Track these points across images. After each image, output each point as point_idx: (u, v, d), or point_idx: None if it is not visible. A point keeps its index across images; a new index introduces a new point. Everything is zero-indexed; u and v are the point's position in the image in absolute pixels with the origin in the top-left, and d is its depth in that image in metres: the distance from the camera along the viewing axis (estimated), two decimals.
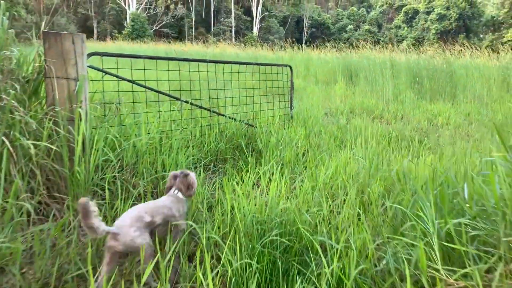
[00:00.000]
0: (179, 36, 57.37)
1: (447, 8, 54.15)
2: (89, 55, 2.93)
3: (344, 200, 2.67)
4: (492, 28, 53.67)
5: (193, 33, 60.73)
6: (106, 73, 3.17)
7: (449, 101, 9.50)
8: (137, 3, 55.06)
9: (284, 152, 3.79)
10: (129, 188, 2.75)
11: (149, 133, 3.28)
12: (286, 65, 5.38)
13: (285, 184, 2.58)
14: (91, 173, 2.51)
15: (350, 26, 64.53)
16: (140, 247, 1.93)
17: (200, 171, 3.29)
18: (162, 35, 56.75)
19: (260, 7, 61.03)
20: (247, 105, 4.95)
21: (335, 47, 17.42)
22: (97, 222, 1.80)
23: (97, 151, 2.58)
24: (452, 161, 3.36)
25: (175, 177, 2.41)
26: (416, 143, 4.67)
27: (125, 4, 54.06)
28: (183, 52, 17.09)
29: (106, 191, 2.43)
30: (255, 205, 2.20)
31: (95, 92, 3.34)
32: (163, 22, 57.82)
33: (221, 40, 40.61)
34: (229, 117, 4.30)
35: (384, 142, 4.54)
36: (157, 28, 57.56)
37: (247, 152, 3.85)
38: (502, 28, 50.92)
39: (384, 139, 4.86)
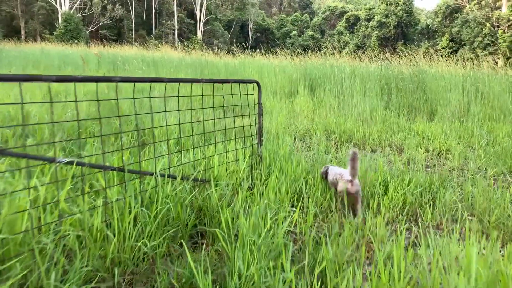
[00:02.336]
0: (119, 38, 54.35)
1: (386, 16, 55.98)
2: None
3: None
4: (427, 36, 55.99)
5: (133, 36, 57.86)
6: None
7: (428, 116, 8.30)
8: (70, 2, 51.11)
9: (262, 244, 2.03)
10: None
11: None
12: (252, 81, 3.63)
13: None
14: None
15: (294, 32, 65.25)
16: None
17: None
18: (100, 37, 53.39)
19: (203, 10, 59.82)
20: (193, 147, 3.13)
21: (288, 53, 16.03)
22: None
23: None
24: None
25: None
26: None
27: (56, 3, 49.90)
28: (100, 56, 14.65)
29: None
30: None
31: None
32: (100, 23, 54.36)
33: (163, 43, 38.50)
34: (163, 175, 2.47)
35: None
36: (93, 29, 54.08)
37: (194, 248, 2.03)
38: (436, 36, 53.18)
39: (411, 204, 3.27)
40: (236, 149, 3.46)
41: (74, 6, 51.20)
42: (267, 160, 3.61)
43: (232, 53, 17.55)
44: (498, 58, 35.71)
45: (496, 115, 7.73)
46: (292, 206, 3.03)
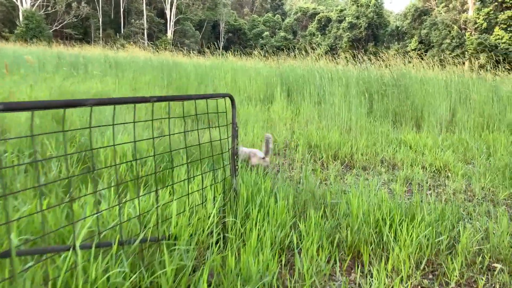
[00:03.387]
0: (85, 37, 52.28)
1: (357, 18, 56.43)
2: None
3: None
4: (396, 38, 56.79)
5: (100, 35, 55.85)
6: None
7: (415, 124, 7.72)
8: (32, 0, 48.70)
9: None
10: None
11: None
12: (225, 95, 2.82)
13: None
14: None
15: (266, 33, 64.97)
16: None
17: None
18: (65, 36, 51.16)
19: (174, 9, 58.53)
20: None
21: (257, 54, 15.27)
22: None
23: None
24: None
25: None
26: None
27: (17, 0, 47.43)
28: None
29: None
30: None
31: None
32: (65, 22, 52.06)
33: (131, 42, 37.08)
34: (88, 247, 1.61)
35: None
36: (57, 28, 51.75)
37: None
38: (405, 38, 53.95)
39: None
40: (203, 188, 2.62)
41: (36, 4, 48.84)
42: (244, 196, 2.80)
43: (203, 54, 16.62)
44: (466, 60, 36.34)
45: (486, 123, 7.23)
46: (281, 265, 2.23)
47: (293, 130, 6.52)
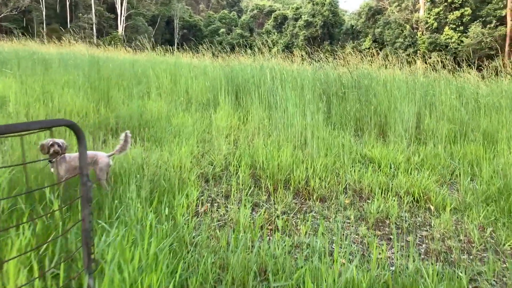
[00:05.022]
0: (27, 32, 48.42)
1: (313, 16, 56.50)
2: None
3: None
4: (351, 36, 57.37)
5: (44, 29, 51.99)
6: None
7: (379, 133, 6.70)
8: None
9: None
10: None
11: None
12: (66, 123, 1.48)
13: None
14: None
15: (222, 30, 63.82)
16: None
17: None
18: (3, 30, 47.01)
19: (125, 4, 55.82)
20: None
21: (210, 51, 13.89)
22: None
23: None
24: None
25: None
26: None
27: None
28: None
29: None
30: None
31: None
32: (2, 15, 47.85)
33: (79, 38, 34.39)
34: None
35: None
36: None
37: None
38: (360, 36, 54.54)
39: None
40: None
41: None
42: None
43: (147, 49, 14.98)
44: (417, 59, 36.84)
45: (458, 132, 6.32)
46: None
47: (237, 143, 5.26)
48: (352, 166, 4.65)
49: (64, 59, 10.11)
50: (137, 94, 7.33)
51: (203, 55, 13.75)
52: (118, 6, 55.69)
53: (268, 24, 61.33)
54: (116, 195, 3.15)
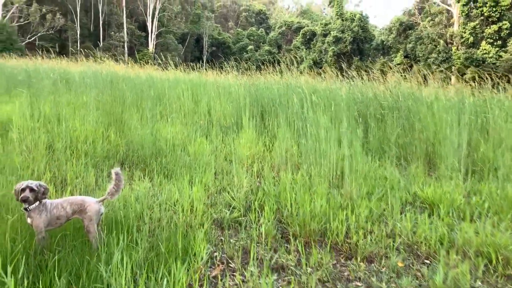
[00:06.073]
0: (62, 50, 50.04)
1: (342, 32, 55.81)
2: None
3: None
4: (382, 52, 56.22)
5: (78, 48, 53.64)
6: None
7: (426, 163, 5.76)
8: (3, 10, 46.42)
9: None
10: None
11: None
12: None
13: None
14: None
15: (250, 47, 64.08)
16: None
17: None
18: (40, 48, 48.75)
19: (156, 22, 57.02)
20: None
21: (237, 68, 13.30)
22: None
23: None
24: None
25: None
26: None
27: None
28: None
29: None
30: None
31: None
32: (39, 34, 49.72)
33: (110, 56, 35.03)
34: None
35: None
36: (30, 40, 49.41)
37: None
38: (391, 52, 53.28)
39: None
40: None
41: (8, 15, 46.51)
42: None
43: (186, 68, 14.63)
44: (452, 75, 35.25)
45: None
46: None
47: (260, 178, 4.50)
48: (402, 211, 3.77)
49: (84, 77, 9.72)
50: (154, 117, 6.72)
51: (229, 72, 13.19)
52: (149, 24, 56.95)
53: (297, 41, 61.05)
54: (101, 255, 2.43)
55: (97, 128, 5.52)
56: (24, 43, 47.66)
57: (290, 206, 3.54)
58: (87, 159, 4.59)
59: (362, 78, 10.00)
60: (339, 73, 10.56)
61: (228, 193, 3.96)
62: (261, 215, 3.49)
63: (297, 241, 3.14)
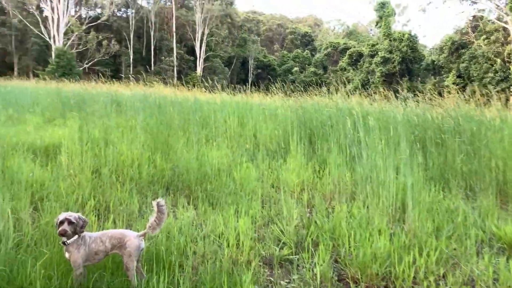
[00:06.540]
0: (116, 74, 52.90)
1: (390, 52, 54.61)
2: None
3: None
4: (432, 72, 54.32)
5: (131, 72, 56.46)
6: None
7: (496, 194, 5.13)
8: (64, 38, 49.94)
9: None
10: None
11: None
12: None
13: None
14: None
15: (295, 68, 64.34)
16: None
17: None
18: (96, 73, 51.79)
19: (204, 46, 58.97)
20: None
21: (283, 89, 13.09)
22: None
23: None
24: None
25: None
26: None
27: (50, 39, 48.86)
28: None
29: None
30: None
31: None
32: (95, 59, 52.96)
33: (160, 79, 36.39)
34: None
35: None
36: (88, 65, 52.72)
37: None
38: (442, 72, 51.31)
39: None
40: None
41: (68, 43, 49.96)
42: None
43: (231, 90, 14.75)
44: (511, 95, 33.10)
45: None
46: None
47: (311, 208, 4.14)
48: (478, 253, 3.26)
49: (133, 100, 9.91)
50: (200, 141, 6.59)
51: (275, 94, 13.02)
52: (197, 48, 58.91)
53: (343, 62, 60.47)
54: None
55: (144, 152, 5.45)
56: (81, 68, 50.83)
57: (348, 244, 3.16)
58: (132, 184, 4.47)
59: (417, 100, 9.41)
60: (392, 94, 10.01)
61: (277, 226, 3.64)
62: (315, 253, 3.12)
63: (358, 286, 2.74)
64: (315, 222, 3.68)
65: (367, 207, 4.05)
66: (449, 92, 9.58)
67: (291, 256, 3.22)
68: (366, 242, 3.06)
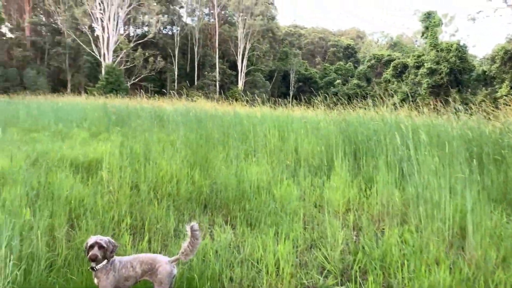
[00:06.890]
0: (161, 90, 54.72)
1: (437, 63, 52.59)
2: None
3: None
4: (483, 83, 51.65)
5: (175, 87, 58.25)
6: None
7: None
8: (113, 56, 52.53)
9: None
10: None
11: None
12: None
13: None
14: None
15: (338, 81, 63.47)
16: None
17: None
18: (143, 88, 53.78)
19: (245, 61, 59.80)
20: None
21: (325, 102, 12.73)
22: None
23: None
24: None
25: None
26: None
27: (100, 57, 51.58)
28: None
29: None
30: None
31: None
32: (142, 76, 55.19)
33: (203, 94, 37.12)
34: None
35: None
36: (134, 81, 55.02)
37: None
38: (494, 82, 48.61)
39: None
40: None
41: (117, 60, 52.42)
42: None
43: (260, 104, 14.62)
44: None
45: None
46: None
47: (357, 231, 3.81)
48: None
49: (175, 115, 9.98)
50: (239, 156, 6.43)
51: (317, 108, 12.70)
52: (239, 63, 59.77)
53: (387, 73, 58.94)
54: None
55: (183, 168, 5.35)
56: (129, 83, 52.99)
57: (401, 275, 2.82)
58: (169, 201, 4.36)
59: (470, 113, 8.75)
60: (442, 106, 9.38)
61: (320, 251, 3.35)
62: (363, 284, 2.81)
63: None
64: (363, 247, 3.35)
65: (421, 231, 3.66)
66: (505, 104, 8.84)
67: (337, 287, 2.92)
68: (422, 273, 2.70)
